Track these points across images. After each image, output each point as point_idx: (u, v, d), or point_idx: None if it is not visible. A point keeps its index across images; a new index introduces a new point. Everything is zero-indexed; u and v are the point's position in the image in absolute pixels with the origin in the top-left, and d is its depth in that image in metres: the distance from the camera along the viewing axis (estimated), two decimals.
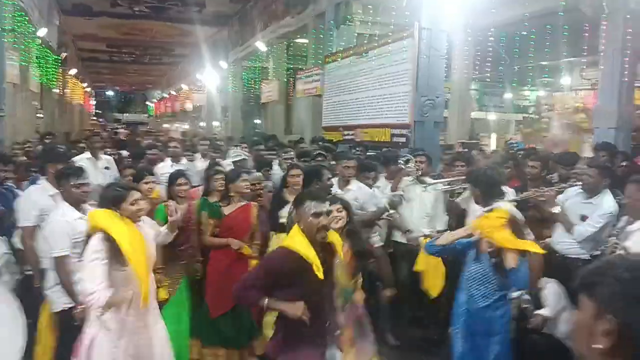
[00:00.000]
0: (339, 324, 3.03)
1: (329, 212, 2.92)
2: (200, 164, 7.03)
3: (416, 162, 5.31)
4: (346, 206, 3.64)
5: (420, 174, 5.18)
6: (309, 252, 2.79)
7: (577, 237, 4.21)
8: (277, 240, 4.56)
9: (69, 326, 3.50)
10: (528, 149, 8.31)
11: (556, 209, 4.26)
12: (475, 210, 4.60)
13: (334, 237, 2.98)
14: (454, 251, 3.48)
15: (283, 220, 4.44)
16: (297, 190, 4.60)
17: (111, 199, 3.16)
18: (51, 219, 3.54)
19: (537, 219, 4.60)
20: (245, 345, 4.44)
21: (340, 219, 3.51)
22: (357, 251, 3.52)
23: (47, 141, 8.73)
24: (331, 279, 2.92)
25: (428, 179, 5.13)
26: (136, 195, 3.20)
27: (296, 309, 2.75)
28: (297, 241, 2.84)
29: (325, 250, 2.92)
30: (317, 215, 2.83)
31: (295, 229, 2.91)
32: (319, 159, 5.83)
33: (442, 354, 3.83)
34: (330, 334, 2.95)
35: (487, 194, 3.63)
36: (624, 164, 5.88)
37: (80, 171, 3.73)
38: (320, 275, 2.76)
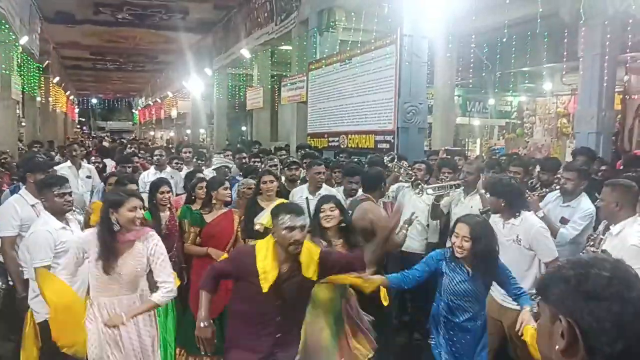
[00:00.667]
0: (290, 338, 3.02)
1: (303, 227, 2.87)
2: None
3: (414, 169, 5.39)
4: (338, 204, 3.68)
5: (414, 179, 5.25)
6: (265, 261, 2.84)
7: (561, 240, 4.23)
8: None
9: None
10: (510, 154, 8.39)
11: (540, 214, 4.31)
12: (460, 213, 4.67)
13: (308, 255, 2.93)
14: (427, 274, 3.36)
15: (257, 227, 4.48)
16: (270, 197, 4.63)
17: (111, 202, 3.18)
18: (33, 229, 3.51)
19: None
20: None
21: (332, 218, 3.58)
22: (352, 245, 3.57)
23: (34, 150, 8.61)
24: (284, 294, 2.88)
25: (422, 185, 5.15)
26: (136, 202, 3.20)
27: (201, 330, 2.95)
28: (262, 247, 2.90)
29: (294, 267, 2.91)
30: (290, 229, 2.81)
31: (270, 237, 2.95)
32: (293, 167, 5.83)
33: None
34: (278, 345, 2.93)
35: (513, 204, 3.65)
36: (603, 168, 5.97)
37: (62, 180, 3.70)
38: (264, 287, 2.80)
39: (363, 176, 4.66)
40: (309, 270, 2.91)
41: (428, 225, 5.34)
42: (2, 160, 8.29)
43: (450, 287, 3.22)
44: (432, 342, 3.41)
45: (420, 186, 5.06)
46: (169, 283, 3.23)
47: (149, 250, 3.21)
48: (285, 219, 2.81)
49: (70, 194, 3.64)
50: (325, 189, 5.16)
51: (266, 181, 4.69)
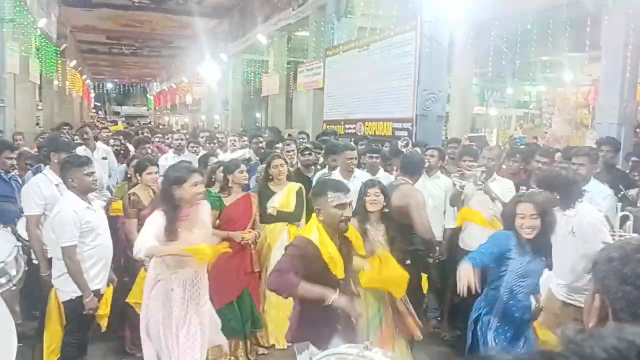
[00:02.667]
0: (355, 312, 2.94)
1: (350, 204, 2.87)
2: None
3: (427, 155, 5.34)
4: (383, 190, 3.68)
5: (427, 166, 5.21)
6: (331, 250, 2.78)
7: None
8: (267, 232, 4.66)
9: (76, 315, 3.52)
10: (531, 144, 8.31)
11: None
12: (482, 201, 4.63)
13: (354, 232, 2.98)
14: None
15: (270, 211, 4.56)
16: (281, 180, 4.67)
17: (173, 179, 3.24)
18: (59, 208, 3.53)
19: None
20: (250, 336, 4.48)
21: (377, 202, 3.59)
22: (391, 238, 3.59)
23: (63, 131, 8.65)
24: (348, 273, 2.91)
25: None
26: (197, 177, 3.30)
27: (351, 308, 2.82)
28: (317, 235, 2.79)
29: (345, 244, 2.91)
30: (341, 206, 2.79)
31: (314, 221, 2.87)
32: (306, 152, 5.82)
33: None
34: (345, 322, 2.89)
35: (568, 196, 3.56)
36: (634, 159, 5.92)
37: (89, 160, 3.73)
38: (340, 274, 2.78)
39: (403, 160, 4.65)
40: (359, 246, 2.95)
41: (445, 212, 5.31)
42: (16, 143, 8.31)
43: (520, 270, 3.13)
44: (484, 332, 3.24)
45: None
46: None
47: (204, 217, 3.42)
48: (335, 197, 2.79)
49: (93, 173, 3.66)
50: (358, 172, 5.20)
51: (276, 165, 4.71)
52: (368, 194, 3.61)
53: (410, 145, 6.01)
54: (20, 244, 3.99)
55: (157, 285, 3.34)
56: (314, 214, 2.93)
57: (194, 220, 3.34)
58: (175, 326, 3.30)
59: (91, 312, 3.48)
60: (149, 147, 6.91)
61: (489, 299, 3.26)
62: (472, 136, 8.35)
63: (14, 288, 3.74)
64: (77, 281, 3.42)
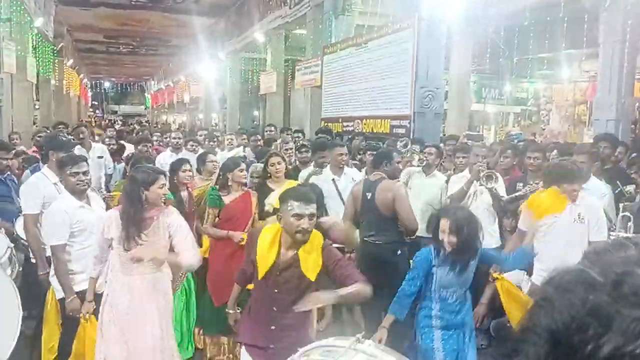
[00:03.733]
0: (287, 333, 2.83)
1: (312, 215, 2.73)
2: None
3: (424, 153, 5.35)
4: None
5: (425, 164, 5.25)
6: (263, 247, 2.80)
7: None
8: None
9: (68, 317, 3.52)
10: (528, 140, 8.33)
11: None
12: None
13: (311, 246, 2.80)
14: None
15: (267, 208, 4.53)
16: (279, 178, 4.68)
17: (142, 180, 3.20)
18: (51, 207, 3.56)
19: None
20: None
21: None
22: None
23: (59, 130, 8.62)
24: (280, 284, 2.79)
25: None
26: (164, 180, 3.30)
27: (232, 316, 3.23)
28: (268, 231, 2.85)
29: (297, 257, 2.78)
30: (298, 216, 2.70)
31: (276, 224, 2.87)
32: (303, 149, 5.91)
33: None
34: (272, 338, 2.81)
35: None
36: (635, 155, 5.93)
37: (76, 159, 3.71)
38: (260, 273, 2.78)
39: (374, 157, 4.78)
40: (308, 261, 2.76)
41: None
42: (12, 142, 8.29)
43: (442, 281, 3.20)
44: (427, 344, 3.25)
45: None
46: (194, 250, 3.34)
47: (171, 225, 3.25)
48: (294, 206, 2.69)
49: (85, 172, 3.64)
50: (347, 170, 5.29)
51: (274, 163, 4.71)
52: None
53: (409, 145, 6.00)
54: (12, 244, 3.99)
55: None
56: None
57: (157, 225, 3.24)
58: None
59: (72, 314, 3.45)
60: (149, 146, 6.92)
61: (423, 318, 3.29)
62: (469, 134, 8.34)
63: None
64: (61, 281, 3.46)
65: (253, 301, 2.98)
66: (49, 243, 3.50)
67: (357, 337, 2.07)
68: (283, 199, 2.80)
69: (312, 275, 2.76)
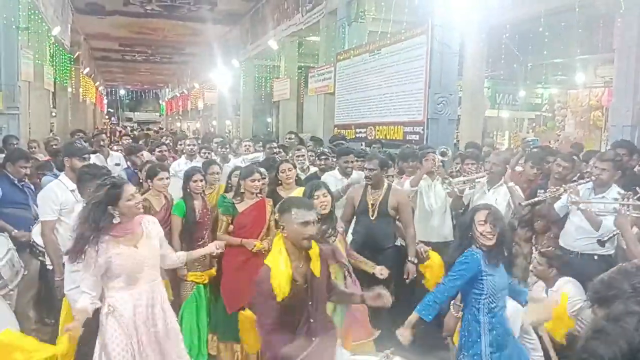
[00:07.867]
0: (325, 325, 2.87)
1: (315, 221, 2.78)
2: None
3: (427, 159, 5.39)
4: (329, 191, 3.76)
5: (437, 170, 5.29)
6: (278, 278, 2.66)
7: (604, 232, 4.05)
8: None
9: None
10: (544, 147, 8.25)
11: (582, 206, 4.21)
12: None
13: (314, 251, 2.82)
14: None
15: (277, 216, 4.49)
16: (290, 185, 4.69)
17: (108, 199, 2.94)
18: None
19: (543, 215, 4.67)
20: None
21: (326, 204, 3.64)
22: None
23: (77, 137, 8.72)
24: (310, 289, 2.78)
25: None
26: (131, 189, 3.05)
27: None
28: (275, 259, 2.73)
29: (308, 261, 2.80)
30: (305, 224, 2.71)
31: (279, 240, 2.81)
32: (323, 157, 6.04)
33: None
34: (314, 332, 2.79)
35: None
36: None
37: (98, 170, 3.74)
38: (278, 297, 2.64)
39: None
40: (315, 266, 2.80)
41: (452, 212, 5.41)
42: (31, 150, 8.38)
43: (493, 285, 3.02)
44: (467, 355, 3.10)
45: (447, 180, 5.06)
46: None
47: (158, 232, 3.26)
48: (300, 214, 2.72)
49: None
50: (355, 173, 5.44)
51: (284, 169, 4.73)
52: (316, 197, 3.64)
53: (449, 154, 6.02)
54: (15, 247, 4.04)
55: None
56: (278, 233, 2.86)
57: (136, 234, 3.12)
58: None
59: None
60: (164, 151, 7.00)
61: (468, 324, 3.10)
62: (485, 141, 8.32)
63: (11, 292, 3.78)
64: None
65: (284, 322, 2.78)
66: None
67: (386, 352, 2.10)
68: (285, 209, 2.80)
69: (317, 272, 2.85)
